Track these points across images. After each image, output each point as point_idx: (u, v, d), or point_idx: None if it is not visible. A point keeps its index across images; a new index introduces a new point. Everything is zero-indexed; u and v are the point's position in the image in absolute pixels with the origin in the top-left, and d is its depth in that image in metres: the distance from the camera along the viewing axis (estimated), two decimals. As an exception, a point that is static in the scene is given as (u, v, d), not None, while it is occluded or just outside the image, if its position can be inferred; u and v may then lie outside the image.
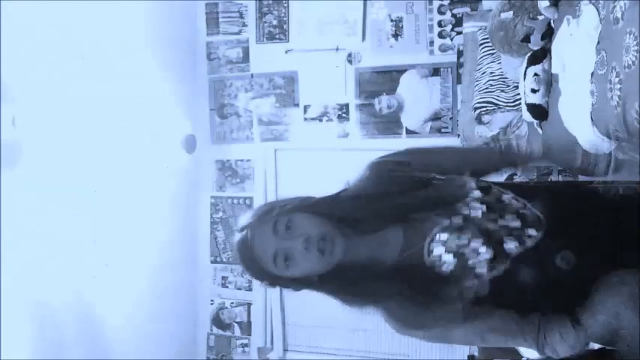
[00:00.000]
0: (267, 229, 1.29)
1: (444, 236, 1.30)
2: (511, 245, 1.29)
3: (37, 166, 2.61)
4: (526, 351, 2.61)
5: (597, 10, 2.10)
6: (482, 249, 1.27)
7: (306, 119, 4.11)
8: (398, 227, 1.35)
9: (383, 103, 3.86)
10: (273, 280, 1.38)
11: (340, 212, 1.33)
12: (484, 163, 1.55)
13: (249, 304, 4.29)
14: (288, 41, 4.09)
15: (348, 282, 1.36)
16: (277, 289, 1.58)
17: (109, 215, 3.12)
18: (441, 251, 1.30)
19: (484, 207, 1.32)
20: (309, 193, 1.40)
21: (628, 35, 1.79)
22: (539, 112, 2.72)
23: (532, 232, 1.31)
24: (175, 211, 4.04)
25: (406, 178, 1.37)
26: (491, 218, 1.31)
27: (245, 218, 1.35)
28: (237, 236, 1.34)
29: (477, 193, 1.34)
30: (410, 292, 1.31)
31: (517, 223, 1.31)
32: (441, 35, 3.83)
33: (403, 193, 1.35)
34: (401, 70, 3.89)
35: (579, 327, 1.34)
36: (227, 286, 4.33)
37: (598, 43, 2.05)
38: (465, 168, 1.42)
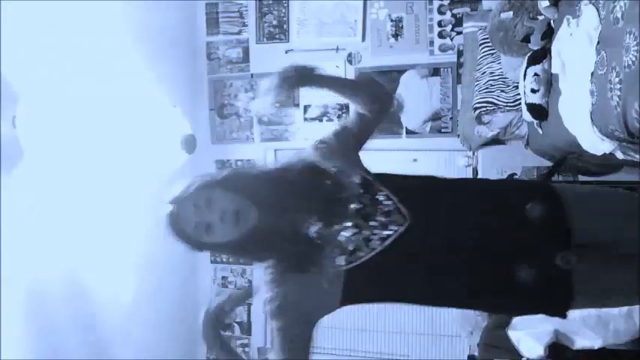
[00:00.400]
0: (189, 205, 1.51)
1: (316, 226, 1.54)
2: (375, 243, 1.51)
3: (37, 166, 2.61)
4: (526, 351, 2.62)
5: (597, 10, 2.10)
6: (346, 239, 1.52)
7: (306, 119, 4.11)
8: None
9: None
10: (198, 246, 1.58)
11: (258, 193, 1.54)
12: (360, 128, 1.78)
13: (249, 304, 4.29)
14: (288, 41, 4.09)
15: (254, 245, 1.57)
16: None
17: (109, 215, 3.12)
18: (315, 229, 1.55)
19: (359, 205, 1.54)
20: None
21: (628, 35, 1.79)
22: (539, 112, 2.72)
23: (390, 230, 1.51)
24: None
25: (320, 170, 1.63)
26: (363, 213, 1.53)
27: (171, 191, 1.54)
28: (166, 209, 1.53)
29: (357, 189, 1.57)
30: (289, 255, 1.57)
31: (383, 220, 1.52)
32: (441, 35, 3.83)
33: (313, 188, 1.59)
34: (401, 70, 3.89)
35: None
36: (227, 286, 4.33)
37: (598, 43, 2.06)
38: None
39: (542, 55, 2.69)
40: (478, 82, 3.25)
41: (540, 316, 2.57)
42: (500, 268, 1.40)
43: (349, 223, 1.52)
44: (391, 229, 1.50)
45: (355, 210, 1.53)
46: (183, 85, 4.08)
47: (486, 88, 3.18)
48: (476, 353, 3.12)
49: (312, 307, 1.56)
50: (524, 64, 2.76)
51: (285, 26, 4.10)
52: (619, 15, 1.89)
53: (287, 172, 1.64)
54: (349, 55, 3.97)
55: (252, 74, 4.19)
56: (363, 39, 3.95)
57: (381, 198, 1.54)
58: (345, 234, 1.51)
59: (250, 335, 4.30)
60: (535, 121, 2.80)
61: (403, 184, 1.62)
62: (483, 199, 1.55)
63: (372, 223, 1.52)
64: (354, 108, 1.78)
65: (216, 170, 1.57)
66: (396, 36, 3.89)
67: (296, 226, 1.54)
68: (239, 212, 1.49)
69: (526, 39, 2.80)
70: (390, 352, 4.01)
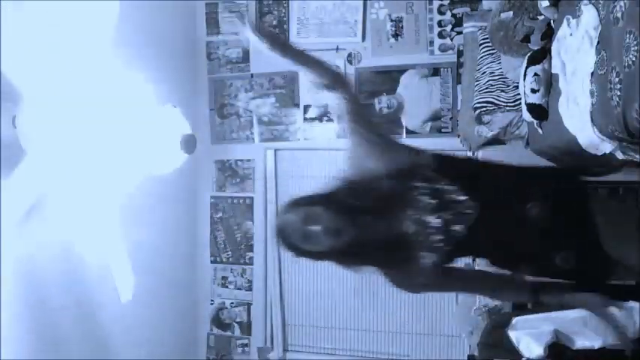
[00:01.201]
0: (294, 218, 1.77)
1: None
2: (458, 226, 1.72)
3: (37, 166, 2.61)
4: (526, 351, 2.62)
5: (597, 10, 2.10)
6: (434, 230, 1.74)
7: (306, 119, 4.11)
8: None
9: (383, 103, 3.86)
10: (298, 252, 1.80)
11: (346, 206, 1.76)
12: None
13: (249, 304, 4.29)
14: (288, 41, 4.08)
15: (355, 254, 1.78)
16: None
17: (109, 215, 3.12)
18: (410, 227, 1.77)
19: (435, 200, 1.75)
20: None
21: (628, 35, 1.79)
22: (539, 112, 2.72)
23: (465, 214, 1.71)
24: (175, 211, 4.04)
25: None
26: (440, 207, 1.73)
27: (282, 207, 1.84)
28: (277, 220, 1.84)
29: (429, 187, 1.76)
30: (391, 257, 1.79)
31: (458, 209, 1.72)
32: (441, 35, 3.83)
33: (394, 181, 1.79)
34: (401, 70, 3.89)
35: None
36: (227, 286, 4.33)
37: (598, 43, 2.06)
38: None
39: (542, 55, 2.69)
40: (478, 82, 3.25)
41: (540, 316, 2.58)
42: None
43: (432, 216, 1.73)
44: (467, 214, 1.71)
45: (435, 205, 1.72)
46: (183, 85, 4.08)
47: (486, 88, 3.18)
48: (476, 353, 3.12)
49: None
50: (524, 64, 2.76)
51: (285, 26, 4.10)
52: (619, 15, 1.89)
53: (362, 182, 1.83)
54: (349, 55, 3.98)
55: (252, 74, 4.19)
56: (363, 39, 3.95)
57: (446, 188, 1.74)
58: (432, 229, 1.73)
59: (250, 335, 4.30)
60: (535, 121, 2.80)
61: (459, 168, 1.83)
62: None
63: (449, 214, 1.72)
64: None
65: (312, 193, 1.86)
66: (396, 36, 3.89)
67: (389, 230, 1.76)
68: (330, 226, 1.72)
69: (526, 39, 2.81)
70: (390, 352, 4.01)
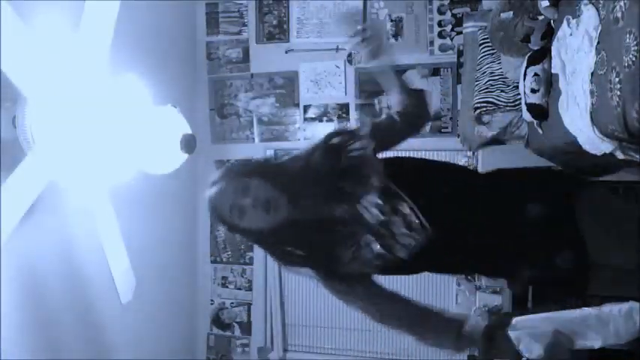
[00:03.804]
0: (228, 188, 1.66)
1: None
2: (401, 252, 1.61)
3: (37, 166, 2.61)
4: (526, 351, 2.61)
5: (597, 10, 2.10)
6: (375, 245, 1.62)
7: (306, 119, 4.11)
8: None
9: (383, 103, 3.86)
10: (231, 228, 1.73)
11: (287, 184, 1.65)
12: (388, 132, 1.79)
13: (249, 304, 4.29)
14: (288, 41, 4.09)
15: (283, 238, 1.68)
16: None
17: (108, 215, 3.12)
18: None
19: (380, 216, 1.63)
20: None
21: (628, 35, 1.79)
22: (539, 112, 2.72)
23: (411, 240, 1.60)
24: (175, 211, 4.04)
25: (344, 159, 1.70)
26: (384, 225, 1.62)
27: (214, 177, 1.72)
28: (209, 191, 1.71)
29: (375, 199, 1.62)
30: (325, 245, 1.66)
31: (404, 230, 1.61)
32: (441, 35, 3.83)
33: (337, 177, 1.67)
34: (401, 70, 3.89)
35: None
36: (227, 286, 4.33)
37: (598, 43, 2.06)
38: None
39: (542, 55, 2.69)
40: (478, 82, 3.25)
41: (540, 316, 2.57)
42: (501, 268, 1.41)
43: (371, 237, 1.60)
44: (413, 240, 1.59)
45: (377, 221, 1.60)
46: (183, 85, 4.09)
47: (486, 88, 3.18)
48: (476, 353, 3.12)
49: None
50: (524, 64, 2.76)
51: (285, 26, 4.10)
52: (619, 15, 1.88)
53: (310, 158, 1.74)
54: (349, 55, 3.98)
55: (252, 74, 4.19)
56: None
57: (401, 208, 1.61)
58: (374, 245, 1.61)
59: (250, 335, 4.30)
60: (535, 121, 2.80)
61: (419, 185, 1.66)
62: (487, 200, 1.63)
63: (395, 234, 1.60)
64: (389, 111, 1.82)
65: (246, 159, 1.88)
66: (396, 36, 3.89)
67: (323, 213, 1.63)
68: (270, 201, 1.60)
69: (526, 39, 2.80)
70: (391, 352, 4.01)
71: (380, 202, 1.61)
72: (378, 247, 1.59)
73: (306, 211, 1.63)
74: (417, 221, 1.59)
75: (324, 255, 1.65)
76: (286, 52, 4.09)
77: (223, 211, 1.67)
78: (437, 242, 1.58)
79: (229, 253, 4.31)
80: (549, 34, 2.68)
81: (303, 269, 1.73)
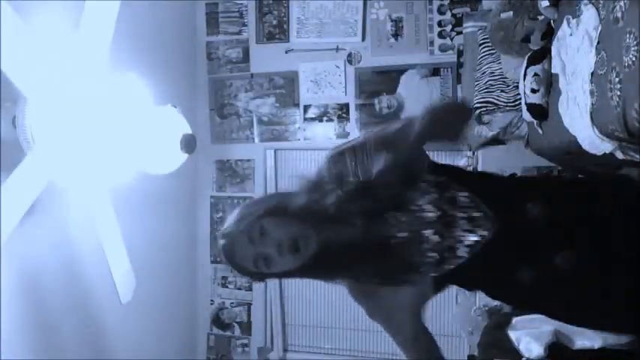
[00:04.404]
0: (243, 239, 1.43)
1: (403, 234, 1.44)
2: (462, 251, 1.41)
3: (37, 166, 2.61)
4: (526, 351, 2.62)
5: (597, 10, 2.10)
6: (430, 252, 1.43)
7: (306, 119, 4.11)
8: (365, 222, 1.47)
9: (383, 103, 3.86)
10: (260, 277, 1.53)
11: (311, 215, 1.45)
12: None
13: (249, 304, 4.29)
14: (288, 41, 4.09)
15: (324, 267, 1.48)
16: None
17: (108, 215, 3.11)
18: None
19: (438, 212, 1.43)
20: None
21: (628, 35, 1.79)
22: (539, 112, 2.72)
23: (475, 237, 1.41)
24: (175, 211, 4.04)
25: (365, 172, 1.46)
26: (443, 222, 1.42)
27: (225, 225, 1.49)
28: (220, 244, 1.48)
29: (433, 196, 1.44)
30: (375, 270, 1.46)
31: (467, 227, 1.41)
32: (441, 35, 3.83)
33: (366, 191, 1.45)
34: (401, 70, 3.89)
35: None
36: (227, 286, 4.33)
37: (598, 43, 2.06)
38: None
39: (542, 55, 2.69)
40: (478, 82, 3.25)
41: (540, 316, 2.57)
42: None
43: (430, 231, 1.42)
44: (478, 235, 1.40)
45: (436, 217, 1.41)
46: (183, 85, 4.09)
47: (486, 88, 3.18)
48: (476, 353, 3.12)
49: (408, 303, 1.50)
50: (524, 64, 2.76)
51: (285, 26, 4.10)
52: (619, 15, 1.89)
53: (338, 179, 1.47)
54: (349, 55, 3.98)
55: (252, 74, 4.19)
56: (363, 39, 3.95)
57: (461, 199, 1.42)
58: (428, 245, 1.42)
59: (250, 335, 4.30)
60: (535, 121, 2.80)
61: (482, 183, 1.51)
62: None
63: (456, 232, 1.41)
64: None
65: (262, 194, 1.61)
66: (396, 36, 3.89)
67: (373, 235, 1.43)
68: (297, 241, 1.41)
69: (526, 39, 2.81)
70: (390, 351, 4.01)
71: (435, 195, 1.42)
72: (434, 253, 1.42)
73: (346, 234, 1.44)
74: (478, 213, 1.40)
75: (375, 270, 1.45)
76: (286, 52, 4.09)
77: (246, 265, 1.46)
78: (503, 237, 1.38)
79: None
80: (549, 34, 2.68)
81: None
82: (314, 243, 1.42)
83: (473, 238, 1.40)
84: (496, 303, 3.12)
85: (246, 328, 4.31)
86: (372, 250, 1.44)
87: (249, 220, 1.44)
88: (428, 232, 1.42)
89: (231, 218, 1.49)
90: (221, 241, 1.48)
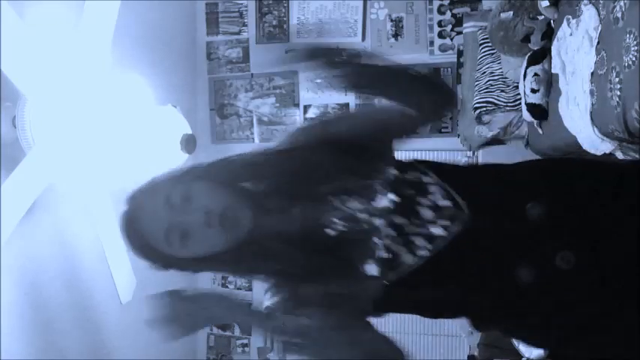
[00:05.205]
0: (158, 201, 1.11)
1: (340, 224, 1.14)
2: (420, 245, 1.11)
3: (37, 165, 2.61)
4: (526, 351, 2.62)
5: (597, 10, 2.10)
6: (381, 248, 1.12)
7: (306, 119, 4.11)
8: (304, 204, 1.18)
9: (383, 102, 3.86)
10: (166, 261, 1.22)
11: (254, 185, 1.17)
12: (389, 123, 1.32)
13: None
14: (288, 41, 4.09)
15: (252, 261, 1.20)
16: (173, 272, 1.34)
17: (109, 215, 3.11)
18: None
19: (395, 197, 1.13)
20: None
21: (628, 35, 1.79)
22: (539, 112, 2.72)
23: (439, 229, 1.11)
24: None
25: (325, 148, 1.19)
26: (401, 211, 1.13)
27: (135, 187, 1.16)
28: (123, 209, 1.14)
29: (392, 175, 1.15)
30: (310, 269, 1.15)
31: (430, 215, 1.12)
32: (441, 35, 3.83)
33: (321, 169, 1.17)
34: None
35: None
36: (227, 286, 4.33)
37: (598, 43, 2.06)
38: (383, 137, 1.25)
39: (542, 55, 2.69)
40: (478, 82, 3.25)
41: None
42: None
43: (381, 222, 1.12)
44: (442, 227, 1.12)
45: (391, 203, 1.12)
46: (183, 85, 4.08)
47: (486, 88, 3.18)
48: (476, 353, 3.12)
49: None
50: (524, 64, 2.76)
51: (285, 26, 4.10)
52: (619, 15, 1.89)
53: (291, 150, 1.21)
54: (349, 55, 3.97)
55: (252, 74, 4.19)
56: (363, 39, 3.95)
57: (426, 182, 1.14)
58: (379, 239, 1.12)
59: (250, 335, 4.30)
60: (535, 121, 2.80)
61: (453, 170, 1.23)
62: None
63: (415, 221, 1.11)
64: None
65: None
66: (396, 36, 3.89)
67: (309, 222, 1.14)
68: (228, 212, 1.11)
69: (526, 39, 2.81)
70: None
71: (394, 175, 1.14)
72: (385, 236, 1.11)
73: (287, 218, 1.15)
74: (447, 203, 1.13)
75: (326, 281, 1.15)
76: (286, 52, 4.08)
77: (151, 237, 1.12)
78: (475, 234, 1.11)
79: (229, 253, 4.31)
80: (549, 34, 2.68)
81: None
82: (248, 222, 1.13)
83: (436, 231, 1.11)
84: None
85: (246, 328, 4.30)
86: (307, 239, 1.14)
87: (171, 180, 1.15)
88: (380, 223, 1.12)
89: (145, 181, 1.17)
90: (126, 204, 1.15)
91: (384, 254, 1.12)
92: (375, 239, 1.12)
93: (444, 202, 1.13)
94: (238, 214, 1.13)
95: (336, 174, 1.16)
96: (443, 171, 1.19)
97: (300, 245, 1.15)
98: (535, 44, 2.76)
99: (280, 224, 1.16)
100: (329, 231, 1.14)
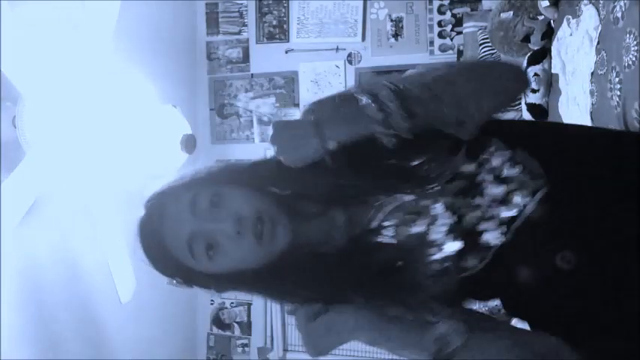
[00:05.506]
0: (182, 206, 0.96)
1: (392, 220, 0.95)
2: (490, 235, 0.95)
3: (37, 165, 2.61)
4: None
5: (597, 10, 2.10)
6: (448, 241, 0.95)
7: (306, 119, 4.11)
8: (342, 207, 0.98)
9: (383, 102, 3.86)
10: (188, 275, 1.03)
11: (284, 186, 0.99)
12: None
13: (249, 304, 4.29)
14: (288, 41, 4.09)
15: (294, 280, 0.99)
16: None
17: (109, 216, 3.11)
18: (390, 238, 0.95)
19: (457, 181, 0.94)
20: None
21: (628, 35, 1.79)
22: (539, 112, 2.73)
23: (516, 202, 0.93)
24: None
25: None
26: (464, 191, 0.94)
27: (157, 189, 1.02)
28: (141, 213, 1.02)
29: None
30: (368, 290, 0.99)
31: (500, 191, 0.93)
32: (441, 35, 3.83)
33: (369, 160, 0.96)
34: (401, 70, 3.87)
35: None
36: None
37: (598, 43, 2.06)
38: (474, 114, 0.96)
39: (542, 55, 2.69)
40: (478, 82, 3.25)
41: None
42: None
43: (441, 208, 0.92)
44: (518, 206, 0.94)
45: (454, 189, 0.92)
46: (183, 85, 4.08)
47: (486, 88, 3.18)
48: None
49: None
50: (524, 64, 2.76)
51: (285, 26, 4.10)
52: (619, 15, 1.89)
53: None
54: (349, 55, 3.98)
55: (252, 74, 4.19)
56: (363, 39, 3.95)
57: (491, 152, 0.93)
58: (440, 230, 0.93)
59: (250, 335, 4.30)
60: (535, 121, 2.80)
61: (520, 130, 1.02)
62: None
63: (478, 201, 0.92)
64: None
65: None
66: (396, 36, 3.89)
67: (357, 229, 0.95)
68: (265, 221, 0.93)
69: (526, 39, 2.81)
70: (390, 352, 4.01)
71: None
72: (446, 228, 0.93)
73: (331, 225, 0.97)
74: (516, 171, 0.93)
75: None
76: (286, 52, 4.09)
77: (175, 249, 0.97)
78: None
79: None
80: (549, 34, 2.68)
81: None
82: (284, 233, 0.95)
83: (508, 213, 0.94)
84: (496, 302, 3.11)
85: (246, 328, 4.30)
86: (353, 254, 0.96)
87: (197, 182, 1.00)
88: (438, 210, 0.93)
89: (168, 181, 1.01)
90: (145, 209, 1.00)
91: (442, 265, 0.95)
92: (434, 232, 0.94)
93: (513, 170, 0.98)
94: (275, 223, 0.94)
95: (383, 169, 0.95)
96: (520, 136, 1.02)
97: (354, 260, 0.96)
98: (535, 44, 2.76)
99: (323, 233, 0.97)
100: (382, 239, 0.95)
